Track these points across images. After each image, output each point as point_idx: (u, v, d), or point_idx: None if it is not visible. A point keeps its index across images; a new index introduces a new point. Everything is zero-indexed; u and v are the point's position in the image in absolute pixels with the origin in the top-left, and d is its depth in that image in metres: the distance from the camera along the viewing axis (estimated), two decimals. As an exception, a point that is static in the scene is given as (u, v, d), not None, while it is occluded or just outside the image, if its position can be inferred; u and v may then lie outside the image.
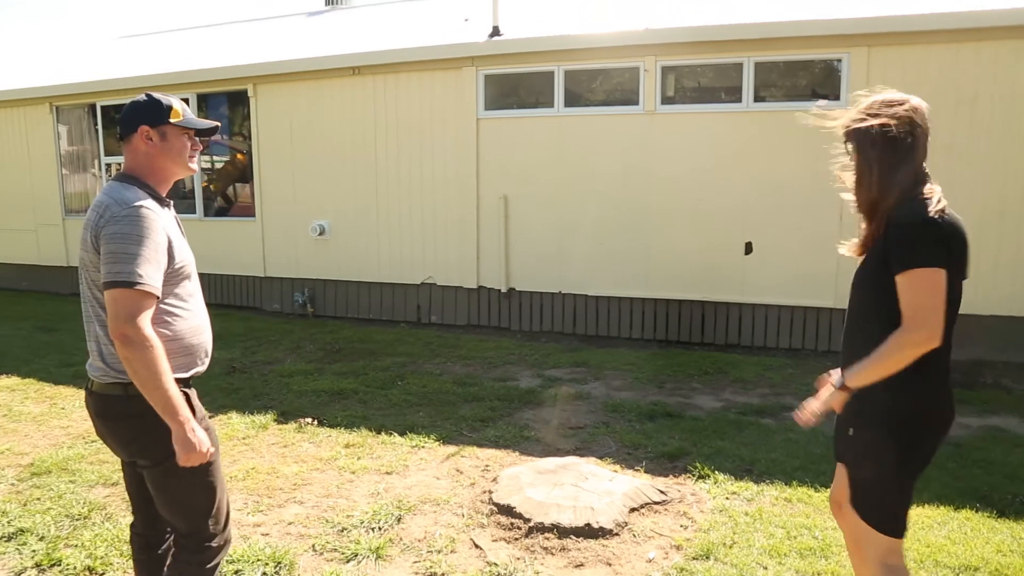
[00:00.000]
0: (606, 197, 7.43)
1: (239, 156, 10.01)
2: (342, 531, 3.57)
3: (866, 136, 2.15)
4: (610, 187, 7.39)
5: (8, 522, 3.71)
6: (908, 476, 2.21)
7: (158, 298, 2.11)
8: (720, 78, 7.42)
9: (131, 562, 3.25)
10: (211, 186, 10.27)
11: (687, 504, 3.79)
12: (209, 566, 2.36)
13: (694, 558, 3.25)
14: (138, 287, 2.03)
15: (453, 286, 8.20)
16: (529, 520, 3.57)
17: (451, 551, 3.38)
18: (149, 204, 2.15)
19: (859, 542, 2.34)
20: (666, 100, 7.21)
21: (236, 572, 3.19)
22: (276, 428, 4.95)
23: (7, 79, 12.47)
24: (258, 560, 3.29)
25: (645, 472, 4.18)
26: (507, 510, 3.69)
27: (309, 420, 5.03)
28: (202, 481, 2.29)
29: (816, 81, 7.22)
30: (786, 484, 3.96)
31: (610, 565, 3.25)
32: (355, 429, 4.88)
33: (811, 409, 2.29)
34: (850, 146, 2.22)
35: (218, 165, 10.52)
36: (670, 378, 6.09)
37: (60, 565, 3.32)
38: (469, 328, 8.09)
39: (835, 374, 2.29)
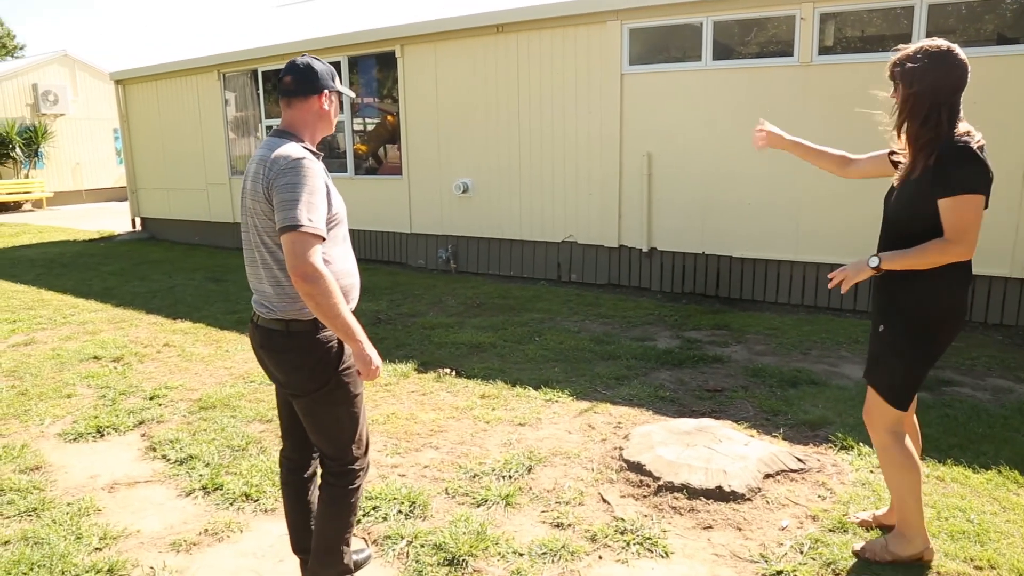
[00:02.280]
0: (754, 154, 7.09)
1: (389, 118, 10.37)
2: (474, 477, 3.70)
3: (915, 73, 2.52)
4: (759, 143, 7.04)
5: (180, 448, 4.14)
6: (926, 364, 2.73)
7: (324, 239, 2.29)
8: (886, 24, 6.85)
9: (280, 490, 3.56)
10: (362, 147, 10.72)
11: (826, 475, 3.63)
12: (352, 487, 2.59)
13: (831, 530, 3.13)
14: (305, 229, 2.23)
15: (593, 244, 8.16)
16: (659, 479, 3.56)
17: (579, 503, 3.43)
18: (310, 156, 2.37)
19: (871, 412, 2.84)
20: (823, 50, 6.75)
21: (374, 507, 3.40)
22: (416, 377, 5.18)
23: (181, 51, 13.50)
24: (394, 498, 3.49)
25: (783, 439, 4.04)
26: (637, 467, 3.69)
27: (447, 370, 5.22)
28: (347, 411, 2.52)
29: (1005, 24, 6.51)
30: (939, 462, 3.70)
31: (740, 530, 3.18)
32: (491, 381, 5.01)
33: (844, 272, 2.72)
34: (899, 83, 2.59)
35: (370, 127, 10.95)
36: (816, 344, 5.81)
37: (222, 489, 3.67)
38: (608, 287, 8.05)
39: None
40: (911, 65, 2.55)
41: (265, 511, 3.46)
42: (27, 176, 21.86)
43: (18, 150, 21.28)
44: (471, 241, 9.10)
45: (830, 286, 2.79)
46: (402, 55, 9.36)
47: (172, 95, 12.77)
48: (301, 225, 2.24)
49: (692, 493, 3.45)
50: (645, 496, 3.48)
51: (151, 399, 4.94)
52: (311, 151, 2.45)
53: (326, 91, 2.52)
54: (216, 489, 3.67)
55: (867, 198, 6.58)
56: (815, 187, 6.80)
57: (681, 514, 3.32)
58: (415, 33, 9.08)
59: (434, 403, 4.69)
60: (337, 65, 9.96)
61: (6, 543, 3.25)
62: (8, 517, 3.48)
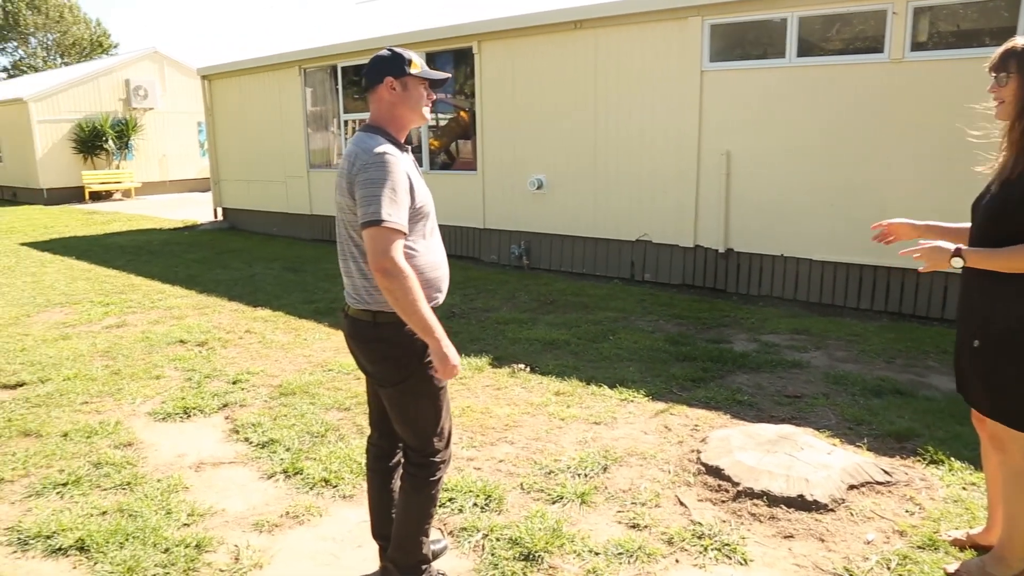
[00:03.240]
0: (838, 155, 6.88)
1: (462, 113, 10.45)
2: (549, 474, 3.69)
3: None
4: (844, 144, 6.83)
5: (262, 432, 4.26)
6: None
7: (405, 234, 2.29)
8: (985, 18, 6.54)
9: (358, 477, 3.62)
10: (435, 142, 10.83)
11: (915, 489, 3.49)
12: (432, 479, 2.62)
13: (920, 547, 3.00)
14: (386, 224, 2.25)
15: (668, 244, 8.06)
16: (738, 484, 3.49)
17: (655, 505, 3.39)
18: (391, 150, 2.36)
19: (1001, 437, 2.58)
20: (916, 46, 6.49)
21: (450, 499, 3.42)
22: (491, 371, 5.20)
23: (264, 47, 13.89)
24: (470, 491, 3.51)
25: (868, 450, 3.90)
26: (715, 471, 3.62)
27: (522, 366, 5.23)
28: (431, 403, 2.55)
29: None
30: None
31: (823, 541, 3.09)
32: (565, 378, 5.00)
33: (924, 251, 2.57)
34: (1013, 73, 2.42)
35: (442, 122, 11.05)
36: (901, 353, 5.60)
37: (302, 474, 3.76)
38: (683, 287, 7.94)
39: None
40: None
41: (344, 497, 3.53)
42: (118, 167, 22.85)
43: (111, 142, 22.26)
44: (544, 238, 9.10)
45: (899, 248, 2.68)
46: (479, 51, 9.41)
47: (254, 90, 13.15)
48: (382, 221, 2.25)
49: (772, 500, 3.36)
50: (723, 501, 3.41)
51: (234, 383, 5.10)
52: (397, 144, 2.46)
53: (390, 78, 2.47)
54: (296, 473, 3.76)
55: (957, 205, 6.31)
56: (902, 191, 6.55)
57: (761, 521, 3.24)
58: (493, 29, 9.12)
59: (509, 398, 4.70)
60: (415, 61, 10.06)
61: (104, 513, 3.41)
62: (105, 489, 3.65)
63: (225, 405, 4.73)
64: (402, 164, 2.37)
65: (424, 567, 2.71)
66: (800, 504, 3.33)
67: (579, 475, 3.67)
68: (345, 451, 3.95)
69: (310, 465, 3.81)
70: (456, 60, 10.30)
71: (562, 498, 3.45)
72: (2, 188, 24.32)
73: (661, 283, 8.13)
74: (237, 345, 6.04)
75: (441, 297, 2.56)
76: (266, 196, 13.28)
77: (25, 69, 46.84)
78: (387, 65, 2.49)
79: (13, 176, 23.33)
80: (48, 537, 3.22)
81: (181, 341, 6.16)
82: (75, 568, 3.03)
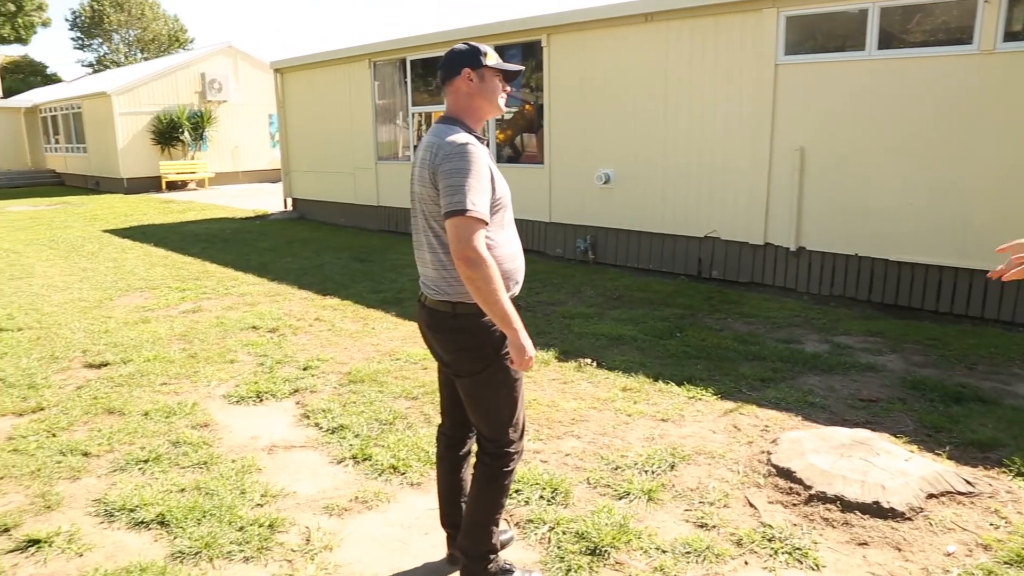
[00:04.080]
0: (920, 153, 6.63)
1: (527, 107, 10.43)
2: (616, 469, 3.67)
3: None
4: (927, 142, 6.57)
5: (332, 418, 4.34)
6: None
7: (487, 223, 2.30)
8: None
9: (426, 465, 3.65)
10: (500, 135, 10.84)
11: (1000, 501, 3.35)
12: (506, 469, 2.64)
13: (1007, 563, 2.88)
14: (469, 214, 2.26)
15: (737, 241, 7.90)
16: (810, 487, 3.40)
17: (724, 505, 3.34)
18: (474, 142, 2.37)
19: None
20: (1009, 36, 6.19)
21: (516, 491, 3.43)
22: (557, 365, 5.19)
23: (335, 40, 14.15)
24: (536, 484, 3.51)
25: (948, 458, 3.76)
26: (786, 474, 3.54)
27: (588, 361, 5.21)
28: (508, 394, 2.55)
29: None
30: None
31: (899, 550, 2.99)
32: (632, 374, 4.96)
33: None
34: None
35: (507, 116, 11.06)
36: (984, 359, 5.37)
37: (370, 460, 3.82)
38: (752, 286, 7.78)
39: None
40: None
41: (411, 484, 3.58)
42: (193, 158, 23.60)
43: (187, 134, 23.01)
44: (610, 232, 9.03)
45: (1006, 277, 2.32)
46: (548, 44, 9.37)
47: (325, 83, 13.40)
48: (466, 210, 2.27)
49: (846, 506, 3.27)
50: (795, 504, 3.33)
51: (304, 369, 5.21)
52: (475, 136, 2.48)
53: (468, 69, 2.51)
54: (365, 459, 3.82)
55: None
56: (989, 192, 6.27)
57: (834, 527, 3.16)
58: (563, 22, 9.07)
59: (575, 392, 4.69)
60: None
61: (182, 490, 3.53)
62: (183, 467, 3.78)
63: (296, 390, 4.84)
64: (483, 155, 2.39)
65: (492, 556, 2.72)
66: (876, 511, 3.23)
67: (646, 472, 3.64)
68: (413, 439, 4.00)
69: (379, 452, 3.88)
70: (524, 53, 10.29)
71: (629, 494, 3.43)
72: (86, 177, 25.39)
73: (729, 280, 7.98)
74: (307, 332, 6.18)
75: (517, 288, 2.57)
76: (334, 187, 13.53)
77: (108, 64, 48.80)
78: (464, 57, 2.53)
79: (97, 166, 24.34)
80: (131, 510, 3.36)
81: (253, 327, 6.33)
82: (156, 541, 3.14)
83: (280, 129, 14.89)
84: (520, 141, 10.89)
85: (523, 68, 2.69)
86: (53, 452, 4.00)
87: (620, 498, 3.41)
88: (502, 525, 3.04)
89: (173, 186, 23.14)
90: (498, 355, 2.49)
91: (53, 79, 43.24)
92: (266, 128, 25.23)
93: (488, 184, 2.37)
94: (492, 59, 2.54)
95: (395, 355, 5.47)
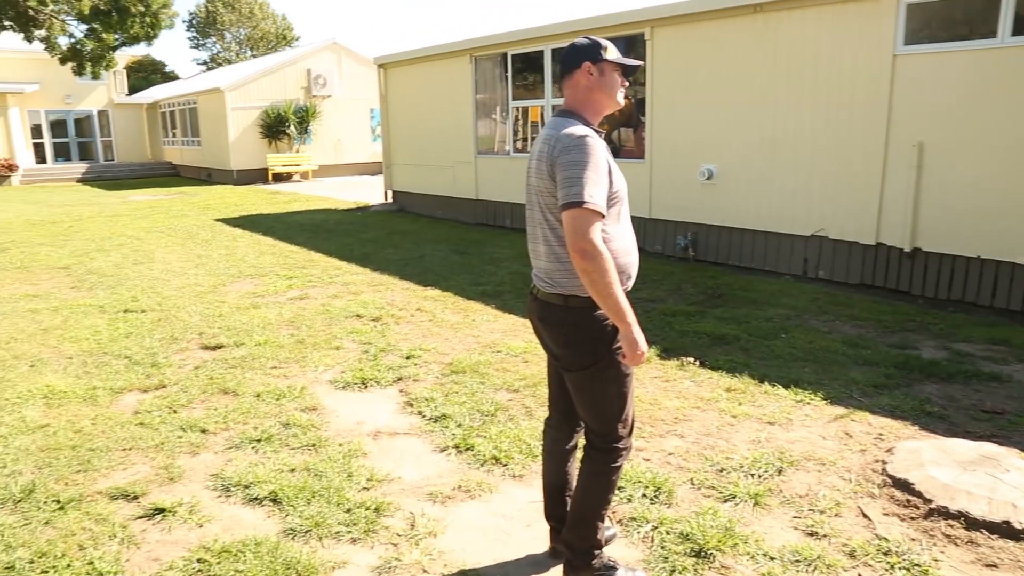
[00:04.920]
0: (1057, 148, 6.18)
1: (626, 100, 10.29)
2: (721, 471, 3.59)
3: None
4: (1064, 135, 6.12)
5: (435, 407, 4.42)
6: None
7: (604, 216, 2.28)
8: None
9: (527, 458, 3.66)
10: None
11: None
12: (614, 465, 2.62)
13: None
14: (586, 206, 2.25)
15: (846, 240, 7.58)
16: (930, 501, 3.23)
17: (835, 514, 3.21)
18: (592, 134, 2.36)
19: None
20: None
21: (619, 488, 3.39)
22: (658, 363, 5.12)
23: (436, 35, 14.35)
24: (639, 482, 3.47)
25: (1087, 477, 3.49)
26: (903, 485, 3.38)
27: (691, 359, 5.11)
28: (617, 390, 2.52)
29: None
30: None
31: (1033, 575, 2.80)
32: (736, 375, 4.83)
33: None
34: None
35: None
36: None
37: (473, 450, 3.86)
38: (861, 287, 7.44)
39: None
40: None
41: (514, 476, 3.59)
42: (298, 151, 24.49)
43: (292, 128, 23.90)
44: (712, 229, 8.83)
45: None
46: (651, 37, 9.23)
47: (426, 78, 13.63)
48: (583, 202, 2.26)
49: (971, 523, 3.09)
50: (913, 518, 3.17)
51: (407, 358, 5.32)
52: (594, 129, 2.47)
53: (587, 63, 2.50)
54: (467, 449, 3.87)
55: None
56: None
57: (957, 544, 2.99)
58: (667, 15, 8.91)
59: (678, 391, 4.61)
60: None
61: (292, 470, 3.67)
62: (293, 448, 3.92)
63: (399, 378, 4.95)
64: (602, 148, 2.38)
65: (596, 552, 2.70)
66: (1005, 531, 3.04)
67: (752, 475, 3.54)
68: (515, 431, 4.03)
69: (481, 442, 3.91)
70: (627, 47, 10.16)
71: (734, 497, 3.34)
72: (199, 169, 26.74)
73: (836, 281, 7.67)
74: (409, 322, 6.31)
75: (630, 283, 2.54)
76: (433, 180, 13.75)
77: (221, 62, 51.24)
78: (585, 51, 2.53)
79: (209, 158, 25.60)
80: (246, 487, 3.51)
81: (357, 315, 6.51)
82: (269, 517, 3.27)
83: (382, 123, 15.24)
84: (618, 136, 10.78)
85: (642, 63, 2.66)
86: (174, 427, 4.23)
87: (725, 501, 3.33)
88: (606, 521, 3.02)
89: (279, 178, 24.07)
90: (609, 349, 2.47)
91: (171, 77, 45.71)
92: (367, 122, 25.91)
93: (606, 177, 2.35)
94: (612, 53, 2.54)
95: (496, 347, 5.52)
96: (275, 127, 23.87)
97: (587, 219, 2.26)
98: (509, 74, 11.74)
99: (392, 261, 9.09)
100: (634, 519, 3.18)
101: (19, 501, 3.45)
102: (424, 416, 4.32)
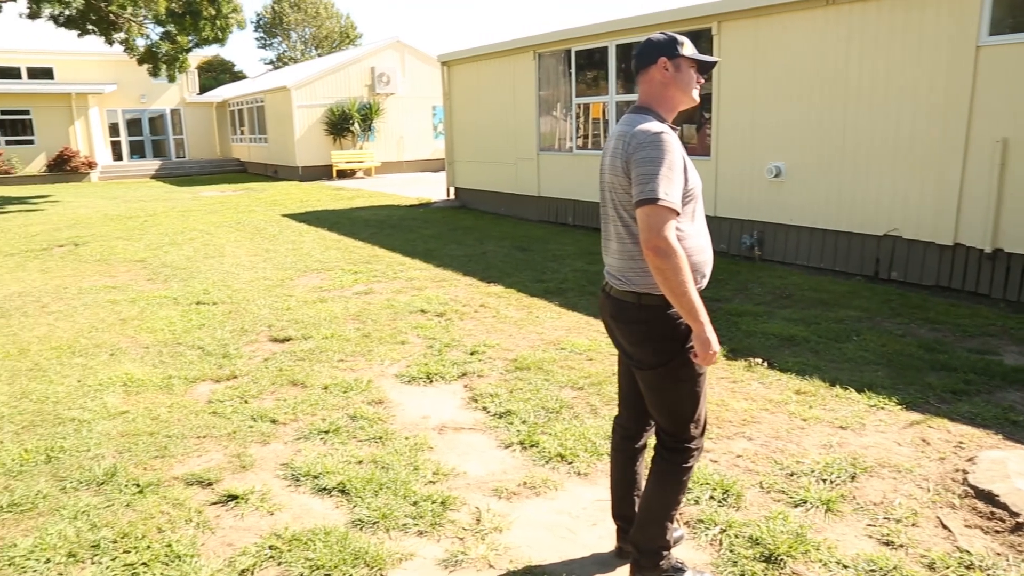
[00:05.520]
0: None
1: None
2: (791, 475, 3.51)
3: None
4: None
5: (499, 403, 4.43)
6: None
7: (678, 213, 2.26)
8: None
9: (592, 456, 3.64)
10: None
11: None
12: (685, 466, 2.59)
13: None
14: (661, 203, 2.23)
15: (922, 240, 7.32)
16: (1017, 515, 3.09)
17: (912, 524, 3.10)
18: (668, 131, 2.32)
19: None
20: None
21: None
22: (725, 363, 5.03)
23: (498, 33, 14.40)
24: (706, 484, 3.42)
25: None
26: (987, 497, 3.24)
27: (759, 360, 5.00)
28: (690, 389, 2.49)
29: None
30: None
31: None
32: (806, 377, 4.71)
33: None
34: None
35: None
36: None
37: (537, 447, 3.86)
38: (936, 289, 7.18)
39: None
40: None
41: (579, 474, 3.58)
42: (361, 148, 24.88)
43: (356, 125, 24.30)
44: (779, 228, 8.63)
45: None
46: (718, 32, 9.07)
47: (489, 75, 13.67)
48: (658, 199, 2.24)
49: (1061, 538, 2.95)
50: (998, 532, 3.04)
51: (471, 354, 5.35)
52: (669, 125, 2.44)
53: (663, 59, 2.47)
54: (532, 446, 3.87)
55: None
56: None
57: (1046, 560, 2.85)
58: (735, 8, 8.74)
59: (745, 392, 4.52)
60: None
61: (360, 462, 3.73)
62: (361, 440, 3.99)
63: (464, 374, 4.98)
64: (677, 144, 2.35)
65: (665, 553, 2.67)
66: (1099, 547, 2.89)
67: (824, 481, 3.45)
68: (580, 429, 4.01)
69: (545, 439, 3.91)
70: (693, 43, 10.00)
71: (805, 502, 3.26)
72: (266, 165, 27.40)
73: (910, 283, 7.42)
74: (473, 318, 6.34)
75: (704, 282, 2.50)
76: (496, 177, 13.79)
77: (287, 61, 52.43)
78: (661, 47, 2.50)
79: (276, 155, 26.21)
80: (315, 477, 3.58)
81: (422, 311, 6.57)
82: (337, 508, 3.33)
83: (445, 120, 15.36)
84: (681, 133, 10.62)
85: (718, 60, 2.60)
86: (246, 417, 4.34)
87: (796, 506, 3.25)
88: (675, 522, 2.98)
89: (343, 174, 24.49)
90: (682, 348, 2.43)
91: (239, 76, 47.00)
92: (429, 119, 26.16)
93: (681, 174, 2.32)
94: (689, 49, 2.51)
95: (560, 344, 5.50)
96: (339, 124, 24.30)
97: (662, 216, 2.23)
98: (572, 70, 11.69)
99: (455, 257, 9.16)
100: (701, 521, 3.13)
101: (102, 483, 3.59)
102: (489, 412, 4.33)
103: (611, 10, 11.87)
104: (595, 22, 11.07)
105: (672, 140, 2.33)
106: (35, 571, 2.92)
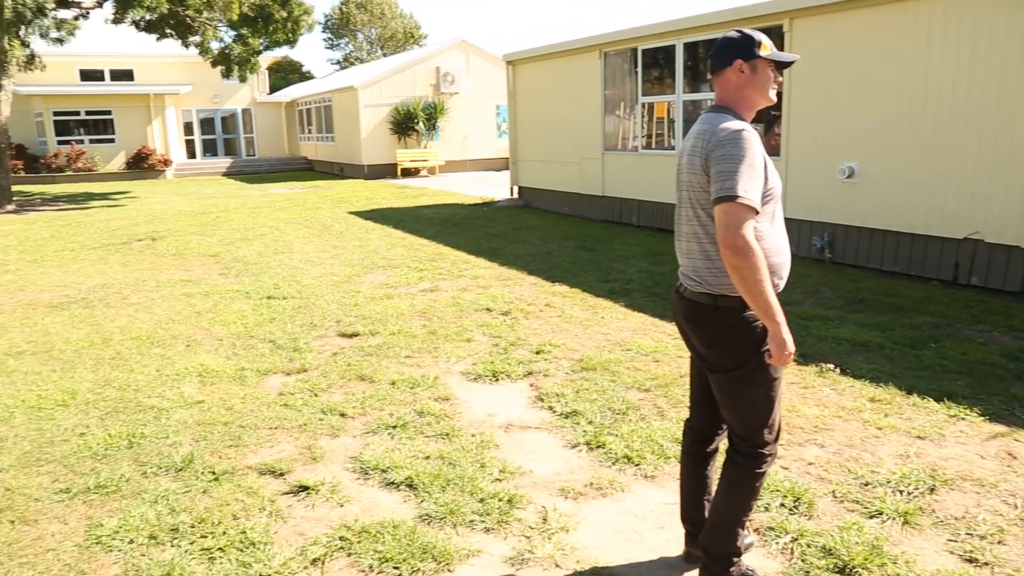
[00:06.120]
0: None
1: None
2: (865, 485, 3.41)
3: None
4: None
5: (565, 403, 4.42)
6: None
7: (758, 212, 2.22)
8: None
9: (660, 459, 3.60)
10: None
11: None
12: (758, 471, 2.54)
13: None
14: (740, 200, 2.20)
15: (1005, 244, 7.01)
16: (1111, 533, 2.94)
17: (998, 541, 2.98)
18: (749, 128, 2.29)
19: None
20: None
21: (757, 496, 3.29)
22: (795, 368, 4.91)
23: (565, 32, 14.38)
24: (777, 491, 3.35)
25: None
26: (1078, 514, 3.09)
27: (831, 366, 4.88)
28: (765, 393, 2.45)
29: None
30: None
31: None
32: (881, 384, 4.57)
33: None
34: None
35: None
36: None
37: (604, 448, 3.84)
38: (1021, 296, 6.87)
39: None
40: None
41: (646, 477, 3.55)
42: (425, 146, 25.16)
43: (421, 124, 24.58)
44: (851, 230, 8.39)
45: None
46: (790, 29, 8.86)
47: (554, 74, 13.65)
48: (737, 196, 2.20)
49: None
50: (1090, 550, 2.90)
51: (537, 353, 5.36)
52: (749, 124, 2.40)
53: (740, 60, 2.42)
54: (599, 447, 3.85)
55: None
56: None
57: None
58: (807, 5, 8.53)
59: (817, 398, 4.41)
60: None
61: (427, 457, 3.77)
62: (428, 436, 4.04)
63: (529, 373, 4.99)
64: (758, 143, 2.31)
65: (735, 560, 2.63)
66: None
67: (901, 492, 3.34)
68: (647, 431, 3.98)
69: (612, 441, 3.89)
70: (763, 40, 9.80)
71: (881, 513, 3.17)
72: (332, 164, 27.96)
73: (992, 289, 7.12)
74: (538, 317, 6.35)
75: (781, 284, 2.45)
76: (560, 176, 13.77)
77: (353, 62, 53.40)
78: (737, 47, 2.46)
79: (342, 154, 26.71)
80: (384, 471, 3.64)
81: (487, 309, 6.61)
82: (405, 502, 3.38)
83: (509, 119, 15.40)
84: (752, 132, 10.43)
85: (798, 58, 2.52)
86: (315, 410, 4.44)
87: (871, 517, 3.16)
88: (746, 529, 2.94)
89: (407, 173, 24.80)
90: (758, 351, 2.39)
91: (307, 76, 48.09)
92: (493, 118, 26.28)
93: (761, 173, 2.28)
94: (767, 49, 2.44)
95: (626, 346, 5.46)
96: (404, 123, 24.62)
97: (740, 214, 2.20)
98: (639, 69, 11.59)
99: (519, 256, 9.18)
100: (772, 529, 3.07)
101: (180, 470, 3.72)
102: (554, 411, 4.33)
103: (678, 8, 11.73)
104: (662, 20, 10.95)
105: (753, 138, 2.29)
106: (120, 550, 3.05)
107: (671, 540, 3.04)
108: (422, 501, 3.36)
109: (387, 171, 24.82)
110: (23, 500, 3.48)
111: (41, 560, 3.01)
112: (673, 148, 11.22)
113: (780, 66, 2.52)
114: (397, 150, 24.65)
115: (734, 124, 2.31)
